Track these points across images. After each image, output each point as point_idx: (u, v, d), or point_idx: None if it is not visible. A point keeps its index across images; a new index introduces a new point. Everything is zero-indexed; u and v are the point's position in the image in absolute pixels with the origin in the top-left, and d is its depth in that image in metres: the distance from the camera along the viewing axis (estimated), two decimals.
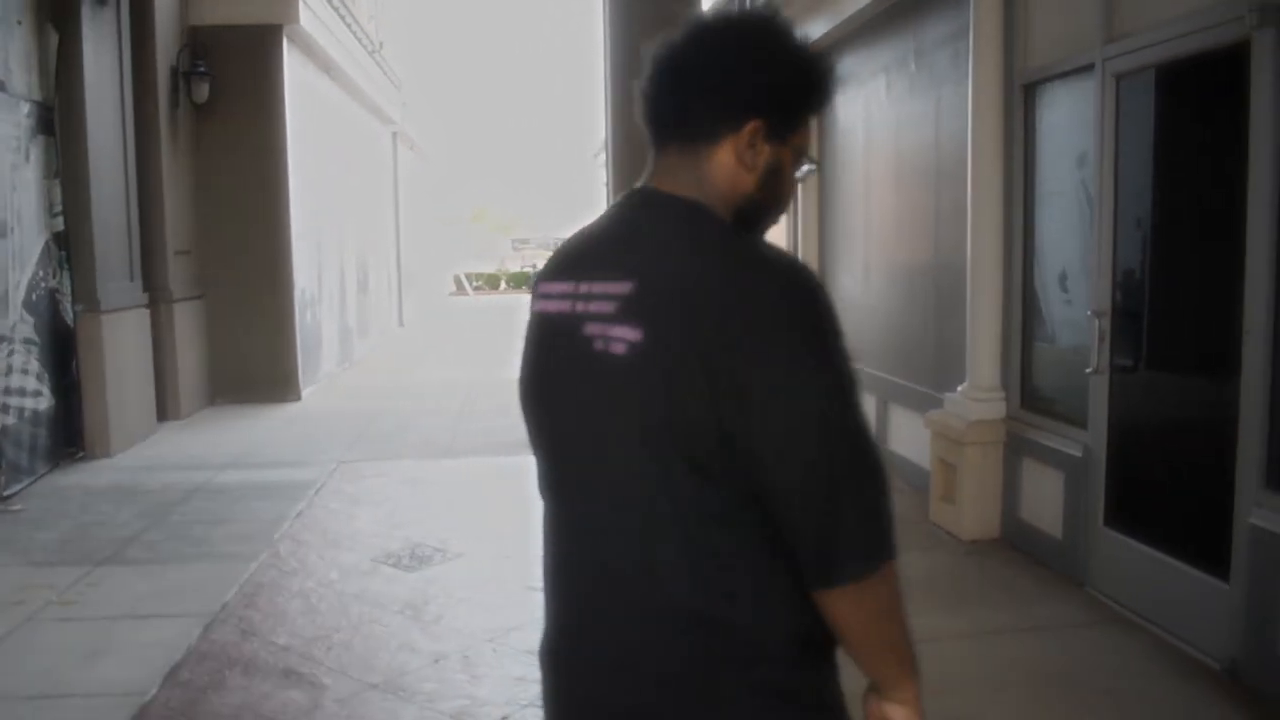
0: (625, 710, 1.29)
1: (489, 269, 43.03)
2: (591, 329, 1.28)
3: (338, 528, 5.79)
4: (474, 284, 39.34)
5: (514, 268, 42.71)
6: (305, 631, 4.26)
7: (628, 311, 1.24)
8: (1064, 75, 4.71)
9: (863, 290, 7.44)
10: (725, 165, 1.32)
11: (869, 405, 7.19)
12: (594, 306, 1.29)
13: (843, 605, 1.23)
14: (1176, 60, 3.96)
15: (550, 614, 1.43)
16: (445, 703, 3.59)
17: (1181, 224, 4.21)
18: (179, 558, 5.26)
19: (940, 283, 6.01)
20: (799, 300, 1.23)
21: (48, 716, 3.53)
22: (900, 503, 6.06)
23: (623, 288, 1.26)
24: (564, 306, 1.33)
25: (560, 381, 1.35)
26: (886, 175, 6.90)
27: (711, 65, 1.31)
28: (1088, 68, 4.44)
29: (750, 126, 1.30)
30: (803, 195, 8.39)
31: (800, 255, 8.45)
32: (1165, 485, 4.26)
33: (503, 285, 39.94)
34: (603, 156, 26.38)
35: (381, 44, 16.83)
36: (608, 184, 8.18)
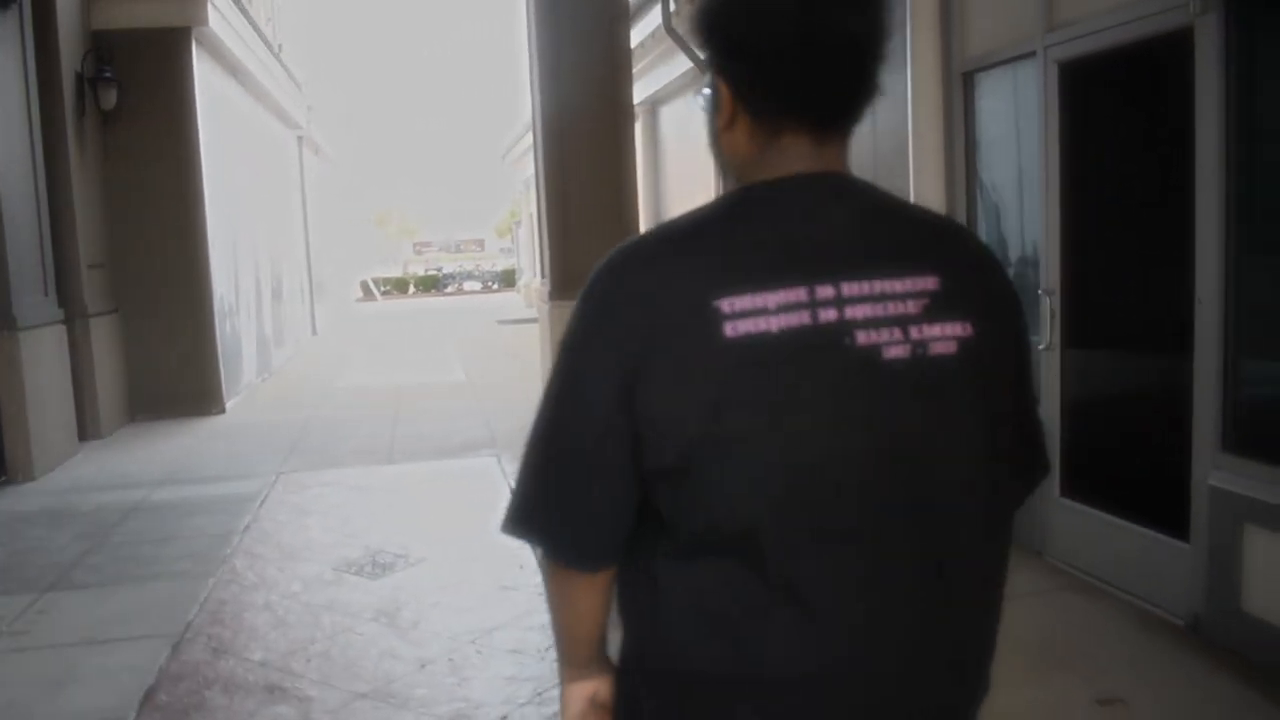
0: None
1: (394, 273, 42.49)
2: (872, 336, 1.12)
3: (291, 539, 5.67)
4: (382, 289, 38.79)
5: (419, 271, 42.25)
6: (279, 645, 4.17)
7: (947, 306, 1.15)
8: (1004, 63, 4.85)
9: None
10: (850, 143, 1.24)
11: None
12: (869, 310, 1.12)
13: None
14: (1119, 47, 4.11)
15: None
16: (440, 707, 3.55)
17: (1127, 204, 4.38)
18: (130, 579, 5.10)
19: None
20: None
21: None
22: None
23: (929, 282, 1.15)
24: (800, 319, 1.10)
25: (834, 409, 1.12)
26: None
27: (884, 38, 1.17)
28: (1029, 55, 4.58)
29: None
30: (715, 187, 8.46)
31: None
32: (1120, 455, 4.43)
33: (411, 289, 39.46)
34: (511, 155, 26.28)
35: (281, 46, 16.48)
36: (539, 180, 8.14)
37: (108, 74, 9.17)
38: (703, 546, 1.14)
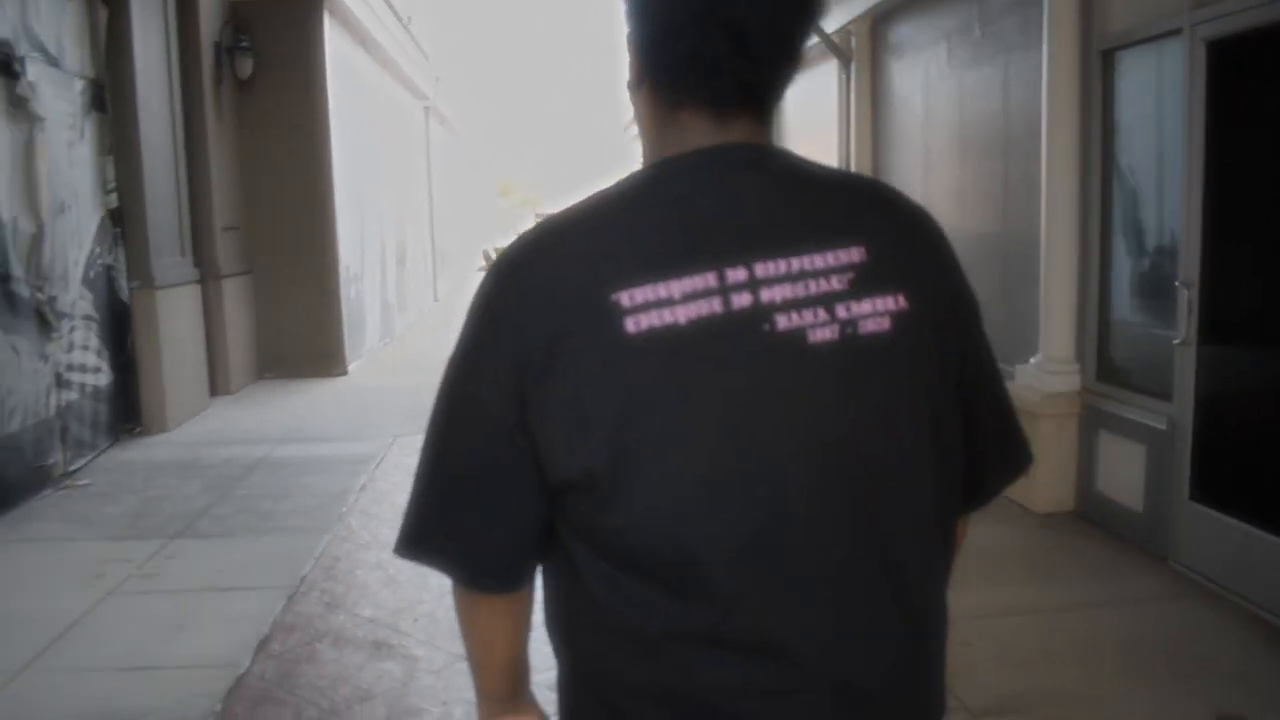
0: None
1: None
2: (794, 319, 1.01)
3: (404, 501, 5.78)
4: None
5: None
6: (388, 603, 4.27)
7: (876, 278, 1.04)
8: (1147, 40, 4.62)
9: None
10: (771, 122, 1.14)
11: None
12: (788, 291, 1.02)
13: None
14: (1273, 25, 3.87)
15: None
16: (539, 675, 3.58)
17: (1276, 194, 4.14)
18: (250, 531, 5.29)
19: (1009, 253, 5.94)
20: None
21: (143, 688, 3.55)
22: None
23: (854, 255, 1.04)
24: (710, 308, 1.00)
25: (755, 403, 1.01)
26: (948, 146, 6.82)
27: (808, 25, 1.11)
28: (1174, 32, 4.36)
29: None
30: (854, 167, 8.31)
31: None
32: (1258, 458, 4.21)
33: None
34: (634, 128, 26.25)
35: (410, 18, 16.77)
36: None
37: (244, 44, 9.47)
38: (625, 565, 1.03)
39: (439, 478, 1.11)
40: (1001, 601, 4.19)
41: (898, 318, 1.04)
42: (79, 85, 6.88)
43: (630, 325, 0.99)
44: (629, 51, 1.13)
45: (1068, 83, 5.00)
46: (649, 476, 1.00)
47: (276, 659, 3.75)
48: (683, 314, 0.99)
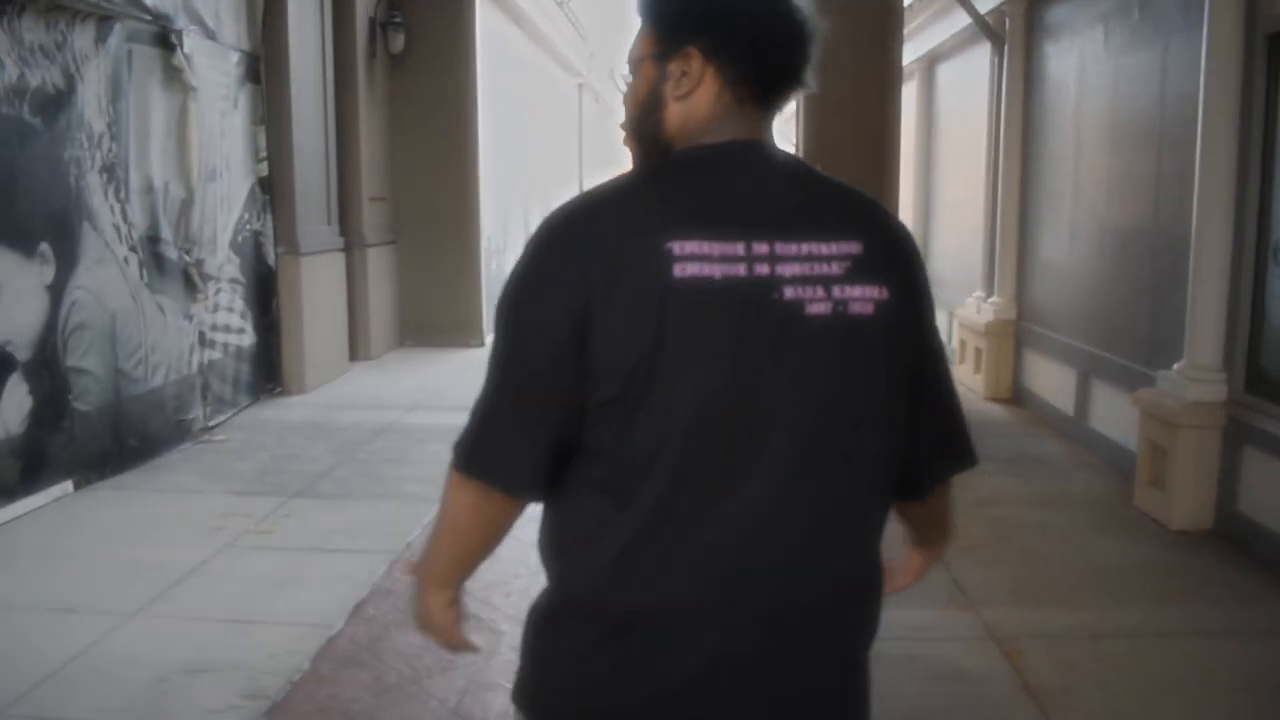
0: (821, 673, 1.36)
1: None
2: (798, 292, 1.24)
3: None
4: None
5: None
6: (484, 576, 4.27)
7: (867, 270, 1.27)
8: None
9: (1067, 255, 7.01)
10: None
11: (1067, 378, 6.81)
12: (797, 269, 1.24)
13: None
14: None
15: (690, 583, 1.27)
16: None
17: None
18: (366, 495, 5.44)
19: (1158, 251, 5.58)
20: None
21: (242, 641, 3.68)
22: (1100, 485, 5.78)
23: (853, 247, 1.27)
24: (737, 270, 1.22)
25: (753, 353, 1.23)
26: (1100, 133, 6.45)
27: (811, 36, 1.35)
28: None
29: None
30: (1003, 152, 7.95)
31: (1000, 213, 8.05)
32: None
33: None
34: (792, 107, 25.94)
35: None
36: (796, 146, 7.94)
37: (397, 19, 9.70)
38: (622, 477, 1.26)
39: (503, 400, 1.31)
40: (1117, 622, 3.95)
41: (879, 305, 1.27)
42: (234, 57, 7.16)
43: (678, 270, 1.20)
44: (694, 64, 1.31)
45: (1229, 69, 4.64)
46: (659, 394, 1.21)
47: (368, 623, 3.84)
48: (718, 270, 1.21)
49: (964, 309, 8.76)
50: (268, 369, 7.79)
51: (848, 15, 7.26)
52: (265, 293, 7.73)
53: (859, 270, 1.26)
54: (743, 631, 1.26)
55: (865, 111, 7.32)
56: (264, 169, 7.65)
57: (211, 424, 6.72)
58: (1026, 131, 7.77)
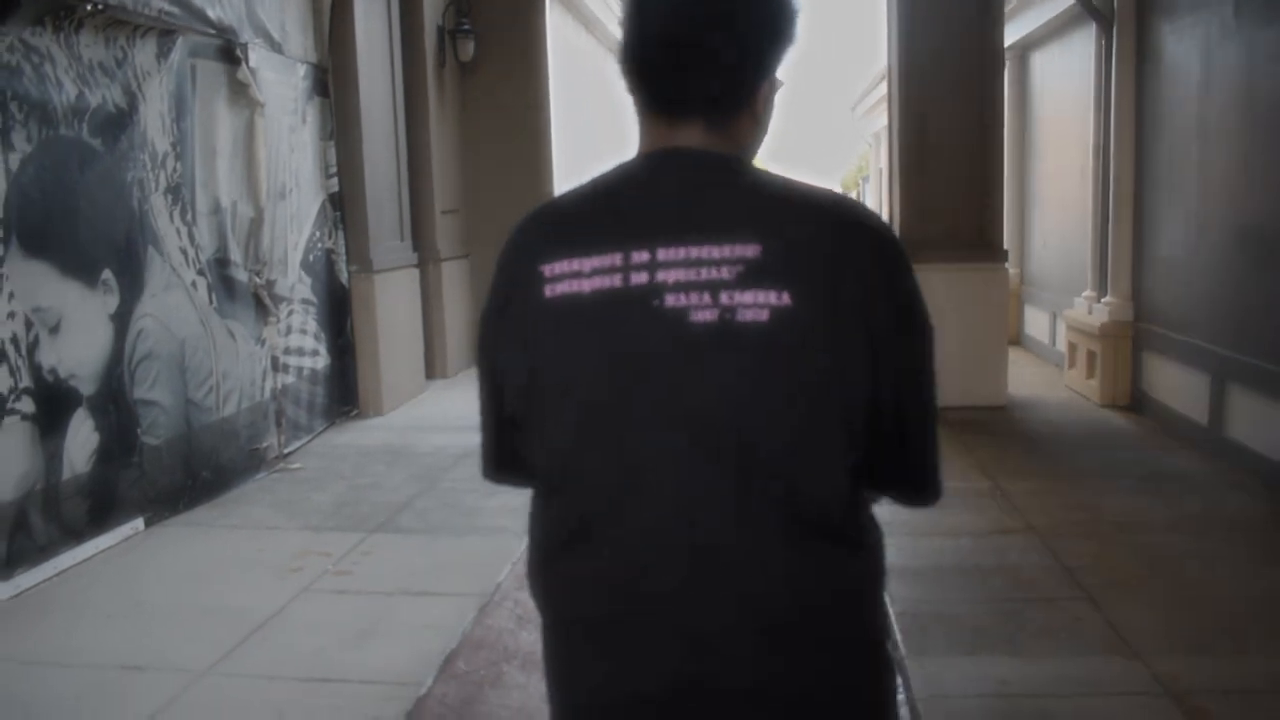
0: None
1: None
2: (681, 300, 1.16)
3: None
4: None
5: None
6: None
7: (764, 274, 1.16)
8: None
9: (1194, 250, 6.43)
10: (746, 126, 1.28)
11: (1198, 383, 6.24)
12: (680, 274, 1.17)
13: None
14: None
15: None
16: None
17: None
18: (450, 529, 5.09)
19: None
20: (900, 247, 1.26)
21: (320, 702, 3.34)
22: (1252, 505, 5.20)
23: (749, 250, 1.16)
24: (611, 282, 1.18)
25: (634, 365, 1.18)
26: (1233, 116, 5.88)
27: (756, 31, 1.24)
28: None
29: (768, 85, 1.28)
30: (1114, 142, 7.39)
31: (1112, 207, 7.48)
32: None
33: None
34: (862, 106, 25.36)
35: None
36: (892, 133, 7.49)
37: (466, 27, 9.41)
38: (542, 489, 1.30)
39: (483, 423, 1.40)
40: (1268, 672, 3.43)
41: (776, 312, 1.14)
42: (301, 70, 6.91)
43: (548, 291, 1.20)
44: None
45: None
46: (547, 415, 1.23)
47: (460, 680, 3.47)
48: (588, 285, 1.19)
49: (1073, 310, 8.19)
50: (343, 391, 7.53)
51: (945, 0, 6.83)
52: (339, 312, 7.47)
53: (753, 274, 1.15)
54: (655, 654, 1.20)
55: (966, 98, 6.85)
56: (334, 185, 7.40)
57: (287, 451, 6.45)
58: (1140, 118, 7.20)
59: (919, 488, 1.30)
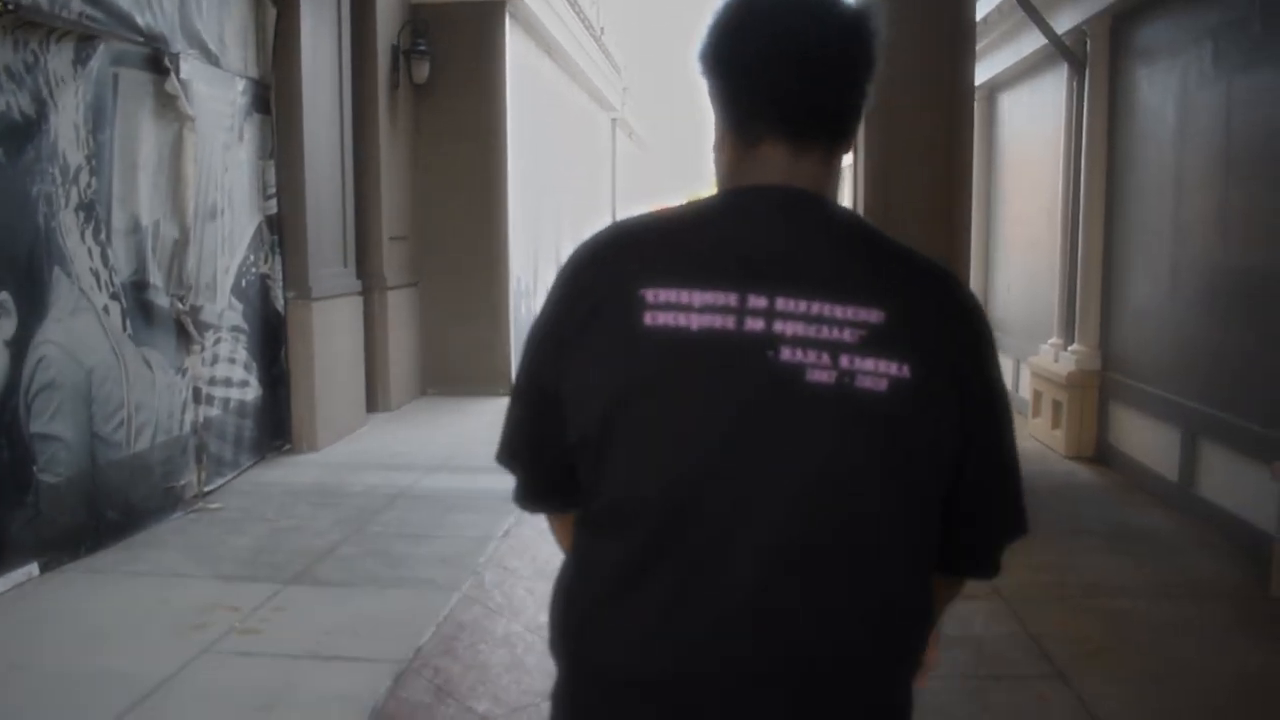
0: None
1: None
2: (799, 355, 1.11)
3: (550, 554, 5.10)
4: None
5: None
6: (509, 695, 3.57)
7: (886, 342, 1.11)
8: None
9: (1166, 298, 6.21)
10: (838, 167, 1.26)
11: (1168, 438, 6.00)
12: (800, 329, 1.11)
13: None
14: None
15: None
16: None
17: None
18: (374, 580, 4.71)
19: None
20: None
21: None
22: (1226, 569, 4.93)
23: (873, 315, 1.12)
24: (724, 323, 1.12)
25: (740, 414, 1.12)
26: (1210, 164, 5.66)
27: (866, 57, 1.20)
28: None
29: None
30: (1084, 187, 7.19)
31: (1081, 252, 7.27)
32: None
33: None
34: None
35: (604, 29, 16.37)
36: (856, 171, 7.23)
37: (422, 47, 9.11)
38: (604, 524, 1.19)
39: (512, 412, 1.30)
40: None
41: (896, 383, 1.11)
42: (240, 85, 6.55)
43: (648, 318, 1.13)
44: (714, 110, 1.26)
45: None
46: (631, 449, 1.15)
47: None
48: (696, 321, 1.12)
49: (1039, 358, 7.96)
50: (275, 425, 7.11)
51: (913, 31, 6.61)
52: (273, 341, 7.06)
53: (875, 341, 1.12)
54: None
55: (933, 135, 6.61)
56: (273, 207, 7.02)
57: (207, 489, 6.02)
58: (1111, 163, 7.01)
59: (982, 565, 1.30)
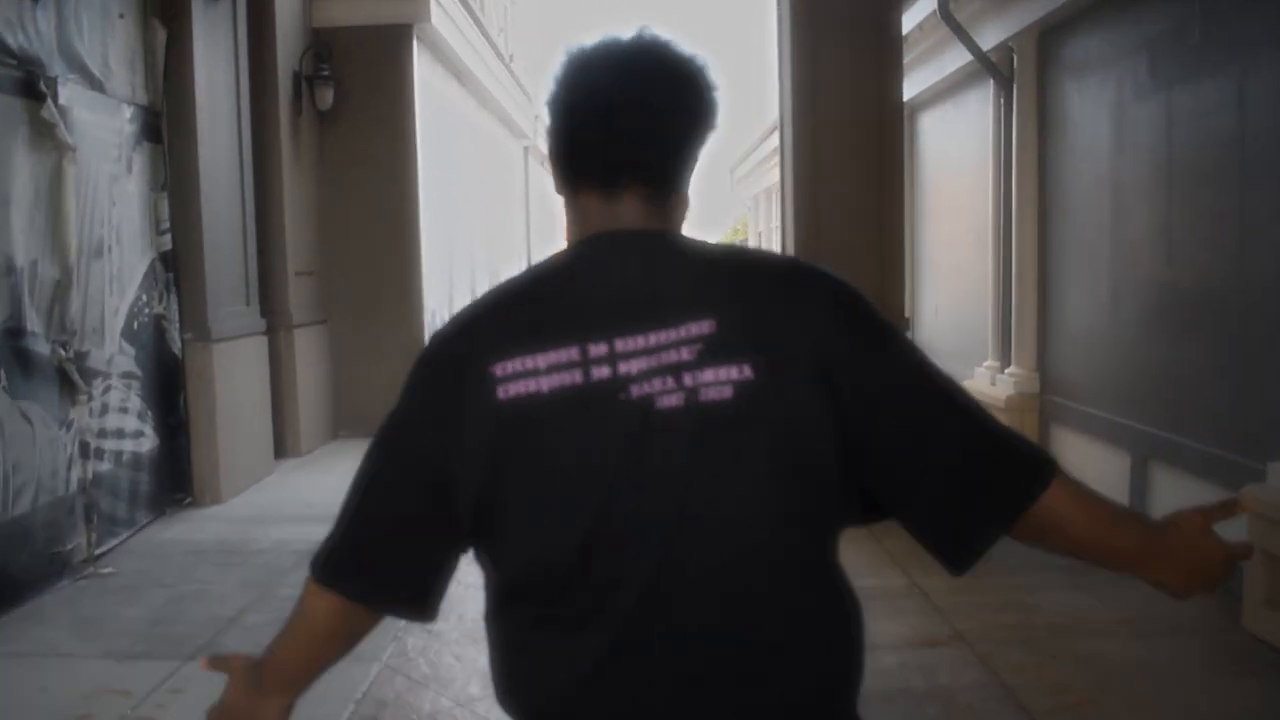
0: None
1: None
2: (646, 388, 1.13)
3: (478, 611, 4.71)
4: None
5: None
6: None
7: (721, 349, 1.13)
8: None
9: (1108, 317, 6.06)
10: (678, 206, 1.29)
11: (1116, 462, 5.84)
12: (644, 363, 1.13)
13: None
14: None
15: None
16: None
17: None
18: None
19: (1247, 310, 4.64)
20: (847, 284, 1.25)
21: None
22: (1189, 603, 4.75)
23: (704, 326, 1.14)
24: (572, 379, 1.14)
25: (602, 465, 1.13)
26: (1152, 177, 5.53)
27: (687, 111, 1.25)
28: None
29: (694, 164, 1.29)
30: (1015, 206, 7.06)
31: (1015, 273, 7.12)
32: None
33: None
34: (740, 170, 25.29)
35: (513, 56, 16.07)
36: (784, 196, 7.01)
37: (325, 73, 8.67)
38: (504, 600, 1.24)
39: (364, 508, 1.29)
40: None
41: (740, 386, 1.12)
42: (127, 112, 6.06)
43: (501, 392, 1.15)
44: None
45: None
46: (515, 525, 1.17)
47: None
48: (546, 383, 1.14)
49: (974, 381, 7.80)
50: (174, 477, 6.58)
51: (841, 51, 6.41)
52: (170, 387, 6.55)
53: (710, 351, 1.13)
54: None
55: (864, 154, 6.41)
56: (167, 242, 6.52)
57: (99, 552, 5.48)
58: (1042, 180, 6.89)
59: (1027, 464, 1.21)
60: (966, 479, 1.17)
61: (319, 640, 1.36)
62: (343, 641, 1.37)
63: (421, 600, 1.29)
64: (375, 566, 1.27)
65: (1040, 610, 4.59)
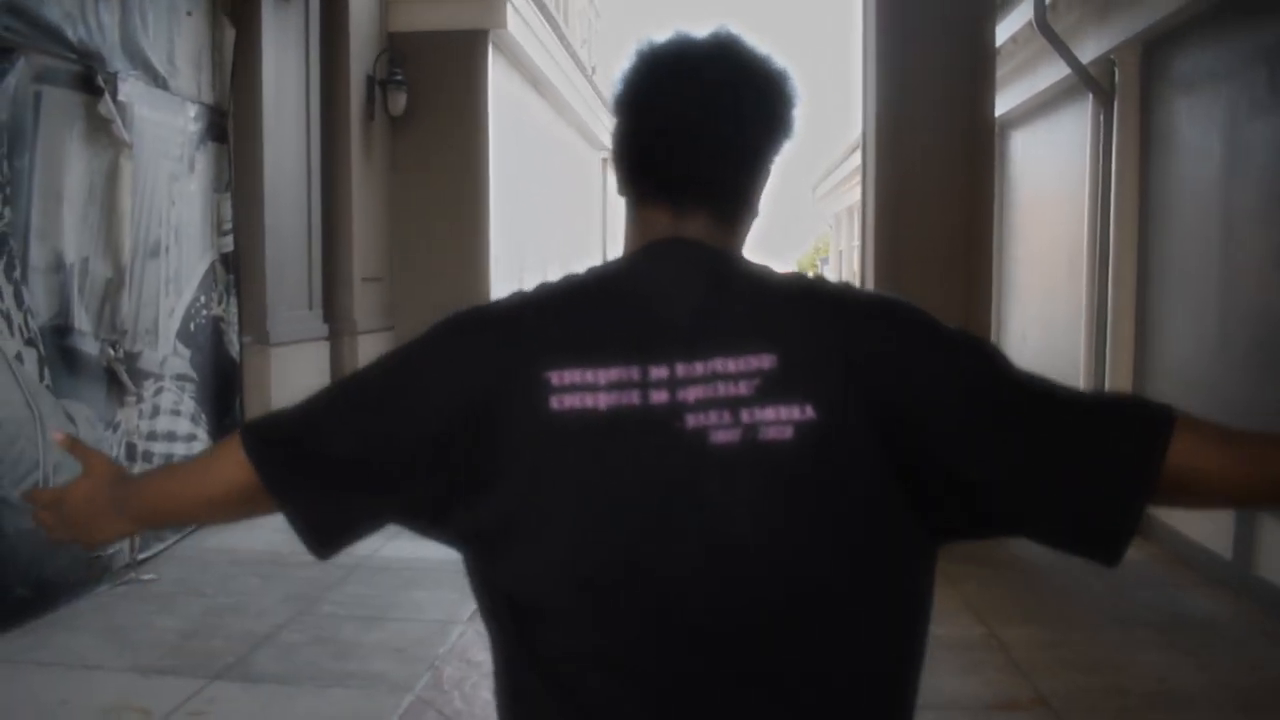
0: None
1: None
2: (701, 419, 1.05)
3: None
4: None
5: None
6: None
7: (781, 387, 1.05)
8: None
9: (1215, 352, 5.59)
10: (745, 220, 1.22)
11: (1221, 511, 5.36)
12: (700, 392, 1.05)
13: None
14: None
15: None
16: None
17: None
18: (315, 676, 4.04)
19: None
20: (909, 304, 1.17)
21: None
22: None
23: (764, 361, 1.06)
24: (630, 399, 1.06)
25: (650, 497, 1.05)
26: (1265, 201, 5.08)
27: (770, 120, 1.18)
28: None
29: (766, 178, 1.22)
30: (1115, 229, 6.63)
31: (1111, 301, 6.69)
32: None
33: None
34: (821, 188, 24.90)
35: (595, 68, 15.95)
36: (865, 210, 6.68)
37: (399, 77, 8.57)
38: (504, 614, 1.13)
39: (325, 423, 1.17)
40: None
41: (801, 428, 1.05)
42: (192, 111, 5.97)
43: (555, 403, 1.07)
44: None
45: None
46: (541, 540, 1.07)
47: None
48: (604, 400, 1.06)
49: None
50: None
51: (931, 62, 6.06)
52: (226, 390, 6.43)
53: (770, 388, 1.05)
54: None
55: (951, 172, 6.05)
56: (228, 244, 6.41)
57: (141, 558, 5.35)
58: (1144, 203, 6.45)
59: (1142, 421, 1.06)
60: (1088, 467, 1.05)
61: (208, 498, 1.26)
62: (230, 511, 1.29)
63: (326, 535, 1.19)
64: (306, 474, 1.16)
65: (1131, 671, 4.17)
